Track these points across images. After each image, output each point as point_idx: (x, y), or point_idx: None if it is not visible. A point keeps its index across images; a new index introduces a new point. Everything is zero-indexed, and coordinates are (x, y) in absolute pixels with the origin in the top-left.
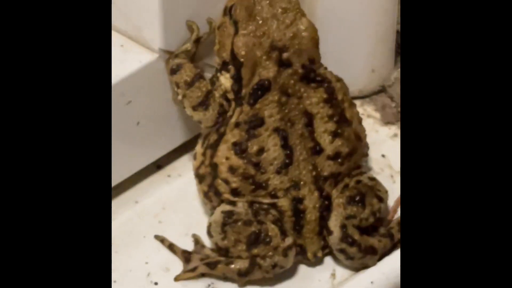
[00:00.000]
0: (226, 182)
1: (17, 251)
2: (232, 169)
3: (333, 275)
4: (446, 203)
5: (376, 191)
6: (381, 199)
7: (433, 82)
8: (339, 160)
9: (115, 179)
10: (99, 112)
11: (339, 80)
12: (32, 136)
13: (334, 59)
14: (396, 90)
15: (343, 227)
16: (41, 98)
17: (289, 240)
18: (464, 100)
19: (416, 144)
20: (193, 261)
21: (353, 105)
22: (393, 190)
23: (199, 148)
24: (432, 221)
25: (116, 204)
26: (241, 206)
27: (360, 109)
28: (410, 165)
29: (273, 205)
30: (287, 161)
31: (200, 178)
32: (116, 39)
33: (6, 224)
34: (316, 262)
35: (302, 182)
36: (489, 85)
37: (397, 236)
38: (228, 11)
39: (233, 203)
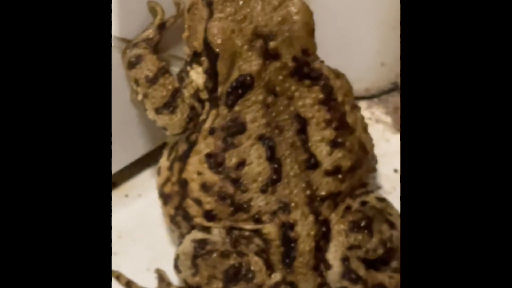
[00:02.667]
0: (198, 203)
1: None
2: (205, 187)
3: None
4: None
5: (387, 215)
6: (393, 225)
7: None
8: (340, 176)
9: None
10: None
11: (339, 76)
12: None
13: (333, 50)
14: None
15: (345, 260)
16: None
17: (276, 276)
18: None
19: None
20: None
21: (356, 108)
22: None
23: (164, 161)
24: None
25: None
26: (217, 234)
27: (366, 112)
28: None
29: (257, 232)
30: (274, 177)
31: (165, 198)
32: None
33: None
34: None
35: (293, 204)
36: (489, 88)
37: None
38: None
39: (207, 230)
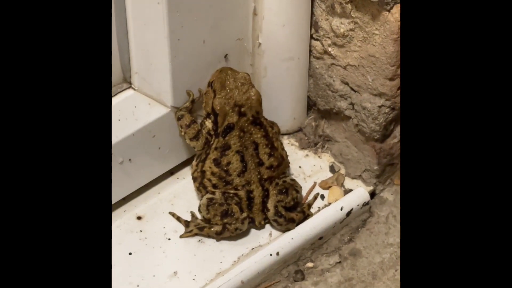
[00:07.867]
0: (210, 181)
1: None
2: (213, 174)
3: (270, 234)
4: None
5: (295, 186)
6: (298, 191)
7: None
8: (272, 169)
9: (149, 179)
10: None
11: (273, 124)
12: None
13: (271, 112)
14: (307, 130)
15: (276, 207)
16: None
17: (244, 214)
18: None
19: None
20: (190, 226)
21: (279, 139)
22: (305, 187)
23: (194, 162)
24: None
25: (147, 194)
26: (217, 195)
27: (286, 141)
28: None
29: (236, 194)
30: (243, 169)
31: (194, 179)
32: (145, 99)
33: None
34: (260, 227)
35: (252, 181)
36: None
37: (307, 212)
38: (210, 84)
39: (213, 193)
